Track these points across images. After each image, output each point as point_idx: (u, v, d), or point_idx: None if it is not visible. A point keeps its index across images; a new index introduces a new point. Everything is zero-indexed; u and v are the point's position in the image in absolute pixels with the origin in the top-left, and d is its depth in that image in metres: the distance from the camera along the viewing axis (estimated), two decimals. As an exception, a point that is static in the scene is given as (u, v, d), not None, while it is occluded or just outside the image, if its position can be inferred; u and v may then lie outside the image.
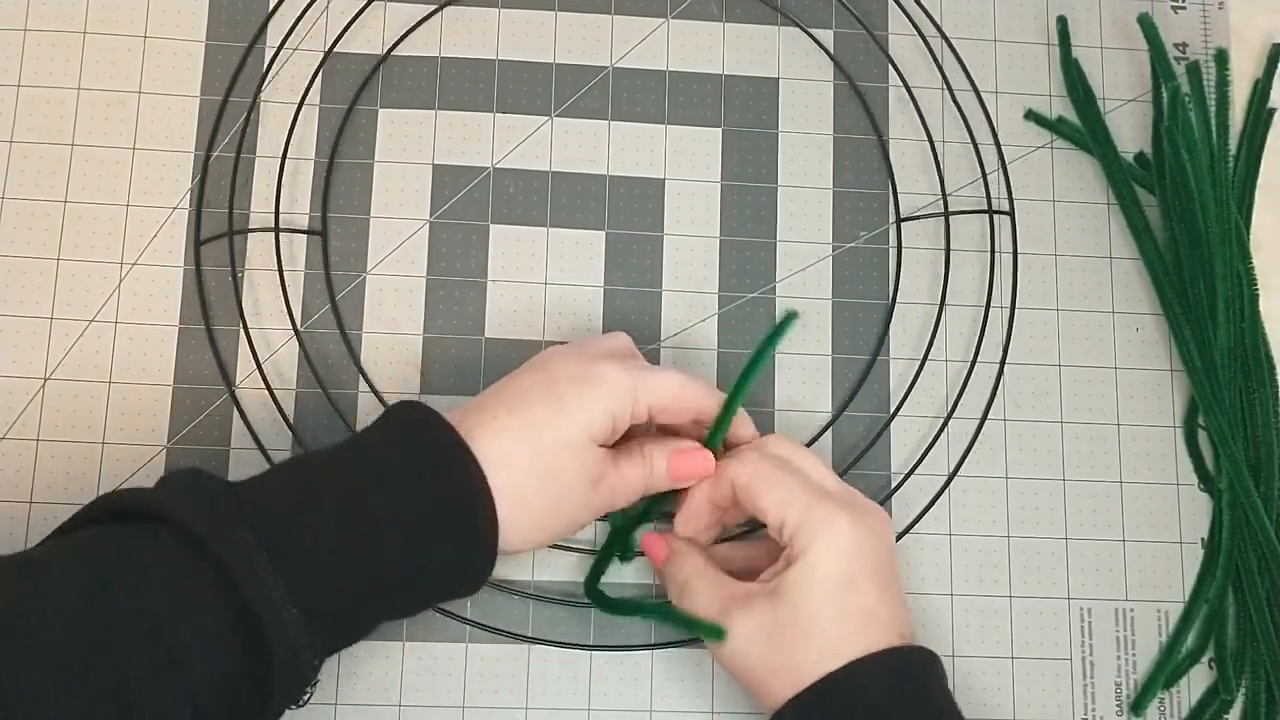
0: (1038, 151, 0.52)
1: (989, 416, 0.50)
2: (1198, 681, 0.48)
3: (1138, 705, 0.47)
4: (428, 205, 0.49)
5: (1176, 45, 0.53)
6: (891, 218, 0.51)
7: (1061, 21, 0.52)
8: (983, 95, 0.52)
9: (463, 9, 0.51)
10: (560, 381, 0.41)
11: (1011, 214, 0.51)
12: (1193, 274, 0.50)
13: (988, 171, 0.51)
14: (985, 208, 0.51)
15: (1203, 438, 0.50)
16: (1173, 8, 0.54)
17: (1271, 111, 0.52)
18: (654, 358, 0.49)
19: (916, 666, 0.40)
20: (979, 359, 0.50)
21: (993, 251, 0.51)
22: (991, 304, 0.50)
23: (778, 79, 0.52)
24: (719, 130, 0.51)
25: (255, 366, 0.47)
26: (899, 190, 0.51)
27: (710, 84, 0.51)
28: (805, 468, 0.42)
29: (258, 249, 0.48)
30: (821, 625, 0.39)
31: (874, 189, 0.51)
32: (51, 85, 0.49)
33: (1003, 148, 0.51)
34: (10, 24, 0.49)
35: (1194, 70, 0.51)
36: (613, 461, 0.42)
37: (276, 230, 0.48)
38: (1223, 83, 0.51)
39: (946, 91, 0.52)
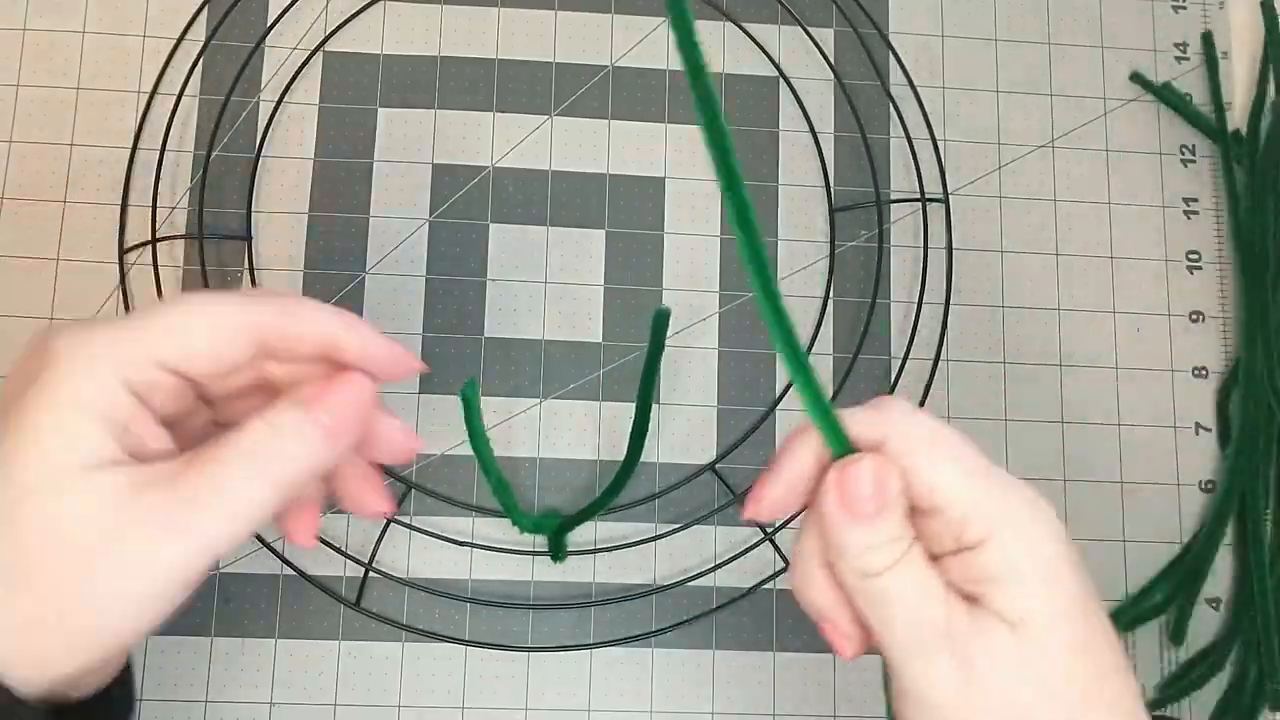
0: (1039, 151, 0.52)
1: (995, 415, 0.49)
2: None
3: None
4: (427, 204, 0.49)
5: (1176, 45, 0.53)
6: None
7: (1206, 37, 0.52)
8: (987, 91, 0.52)
9: (462, 7, 0.51)
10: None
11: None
12: None
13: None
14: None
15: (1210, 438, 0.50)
16: (1173, 7, 0.54)
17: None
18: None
19: None
20: (977, 359, 0.50)
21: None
22: (992, 302, 0.50)
23: (778, 78, 0.52)
24: (719, 129, 0.51)
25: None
26: (891, 186, 0.51)
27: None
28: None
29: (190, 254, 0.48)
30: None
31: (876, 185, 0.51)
32: (50, 85, 0.49)
33: (1003, 146, 0.52)
34: (9, 24, 0.49)
35: None
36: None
37: (202, 237, 0.48)
38: None
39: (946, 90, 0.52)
